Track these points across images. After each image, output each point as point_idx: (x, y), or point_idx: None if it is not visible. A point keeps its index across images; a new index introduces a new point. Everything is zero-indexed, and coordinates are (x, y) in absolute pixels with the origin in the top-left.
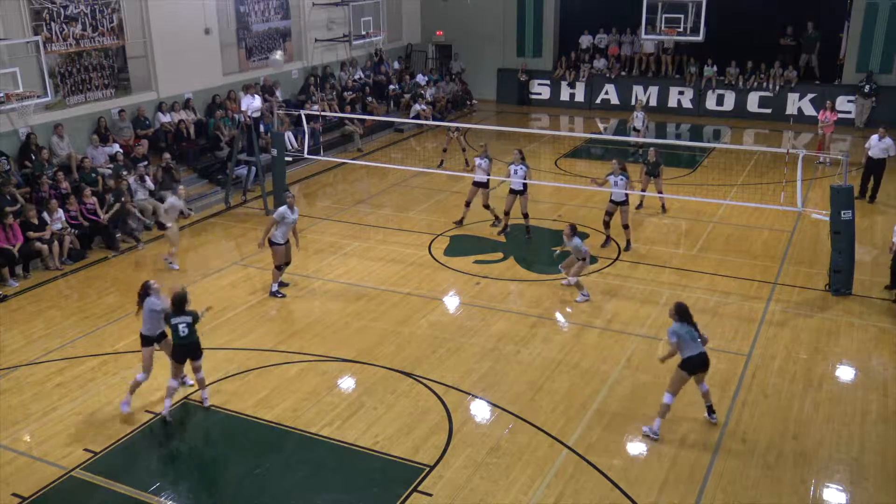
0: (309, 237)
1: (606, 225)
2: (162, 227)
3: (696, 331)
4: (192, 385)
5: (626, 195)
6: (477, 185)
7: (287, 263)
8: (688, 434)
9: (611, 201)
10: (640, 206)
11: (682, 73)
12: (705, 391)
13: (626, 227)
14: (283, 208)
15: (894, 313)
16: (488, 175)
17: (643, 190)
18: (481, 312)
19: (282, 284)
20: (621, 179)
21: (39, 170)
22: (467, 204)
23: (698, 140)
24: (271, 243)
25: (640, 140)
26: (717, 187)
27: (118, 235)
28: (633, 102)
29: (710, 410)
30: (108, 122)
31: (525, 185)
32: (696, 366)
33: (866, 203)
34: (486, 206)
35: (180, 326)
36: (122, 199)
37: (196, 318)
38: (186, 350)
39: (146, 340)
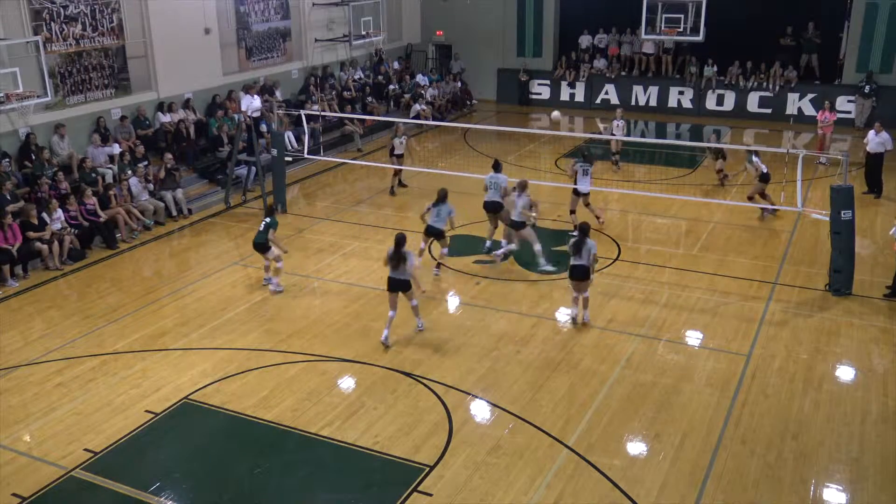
0: (309, 237)
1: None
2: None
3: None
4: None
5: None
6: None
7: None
8: (688, 434)
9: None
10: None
11: (682, 73)
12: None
13: (572, 212)
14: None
15: (894, 313)
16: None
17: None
18: (481, 312)
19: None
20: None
21: (39, 170)
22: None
23: (698, 140)
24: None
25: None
26: (717, 187)
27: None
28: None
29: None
30: (109, 123)
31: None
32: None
33: (869, 198)
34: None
35: (262, 225)
36: None
37: (273, 223)
38: (255, 246)
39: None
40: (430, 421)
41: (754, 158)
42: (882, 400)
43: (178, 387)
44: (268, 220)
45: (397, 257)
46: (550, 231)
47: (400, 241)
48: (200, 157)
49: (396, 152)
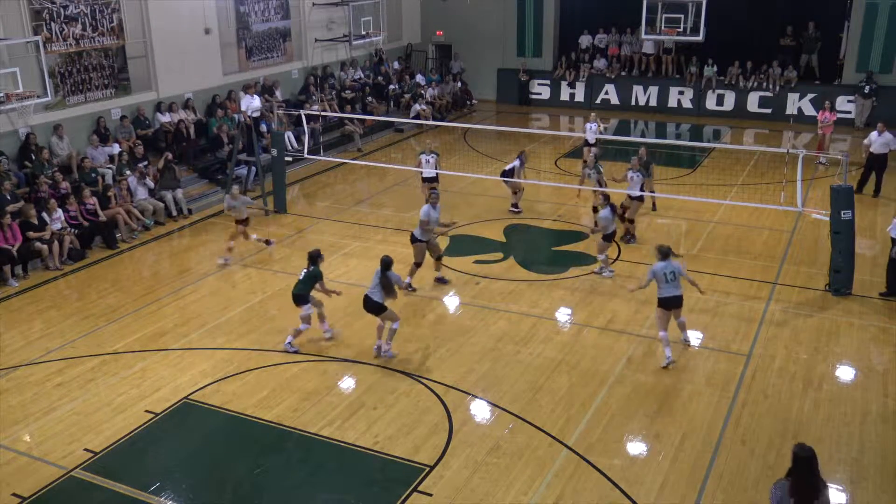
0: (309, 237)
1: (622, 219)
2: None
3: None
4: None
5: (641, 192)
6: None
7: (421, 263)
8: (688, 434)
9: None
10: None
11: (682, 73)
12: (682, 322)
13: (631, 221)
14: (426, 207)
15: (894, 313)
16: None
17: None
18: (481, 312)
19: (440, 280)
20: (638, 175)
21: (39, 170)
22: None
23: (698, 140)
24: (414, 239)
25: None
26: (717, 187)
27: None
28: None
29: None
30: (108, 123)
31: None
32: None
33: (868, 198)
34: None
35: (301, 274)
36: None
37: (315, 274)
38: (293, 297)
39: None
40: (430, 421)
41: (630, 174)
42: (882, 400)
43: (178, 387)
44: (311, 268)
45: (384, 281)
46: (550, 231)
47: (386, 264)
48: (200, 157)
49: (426, 175)
